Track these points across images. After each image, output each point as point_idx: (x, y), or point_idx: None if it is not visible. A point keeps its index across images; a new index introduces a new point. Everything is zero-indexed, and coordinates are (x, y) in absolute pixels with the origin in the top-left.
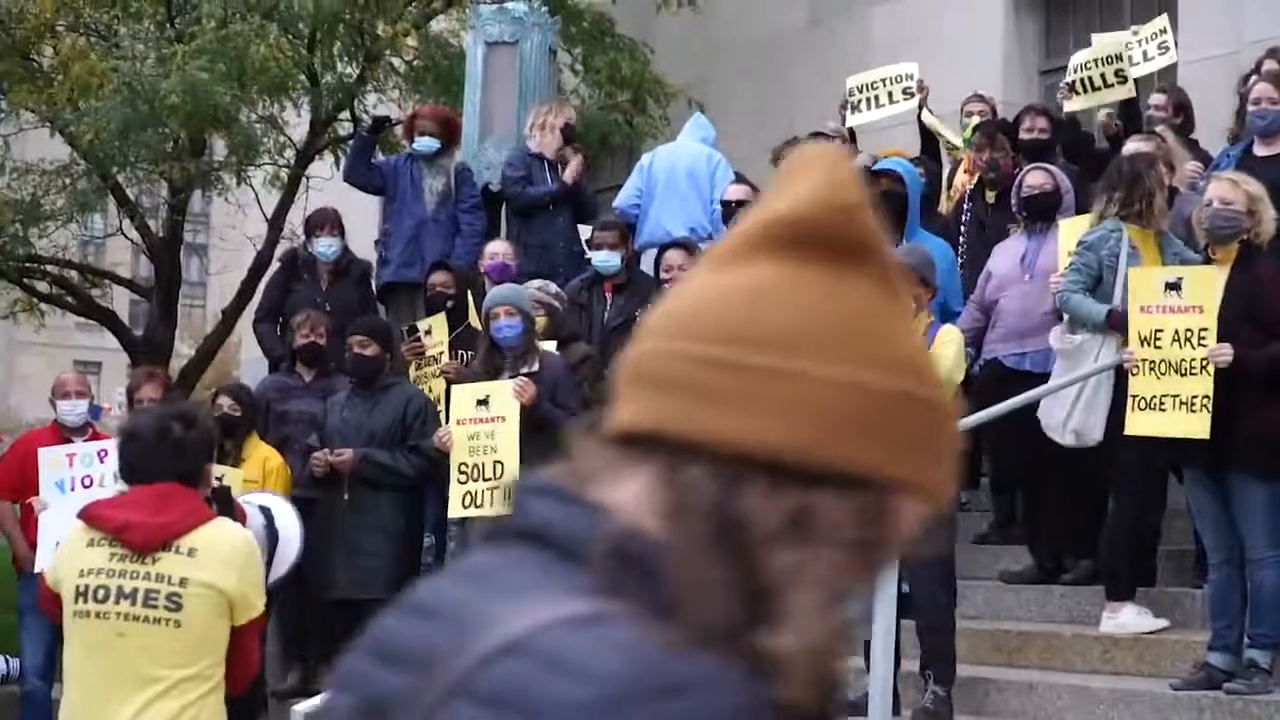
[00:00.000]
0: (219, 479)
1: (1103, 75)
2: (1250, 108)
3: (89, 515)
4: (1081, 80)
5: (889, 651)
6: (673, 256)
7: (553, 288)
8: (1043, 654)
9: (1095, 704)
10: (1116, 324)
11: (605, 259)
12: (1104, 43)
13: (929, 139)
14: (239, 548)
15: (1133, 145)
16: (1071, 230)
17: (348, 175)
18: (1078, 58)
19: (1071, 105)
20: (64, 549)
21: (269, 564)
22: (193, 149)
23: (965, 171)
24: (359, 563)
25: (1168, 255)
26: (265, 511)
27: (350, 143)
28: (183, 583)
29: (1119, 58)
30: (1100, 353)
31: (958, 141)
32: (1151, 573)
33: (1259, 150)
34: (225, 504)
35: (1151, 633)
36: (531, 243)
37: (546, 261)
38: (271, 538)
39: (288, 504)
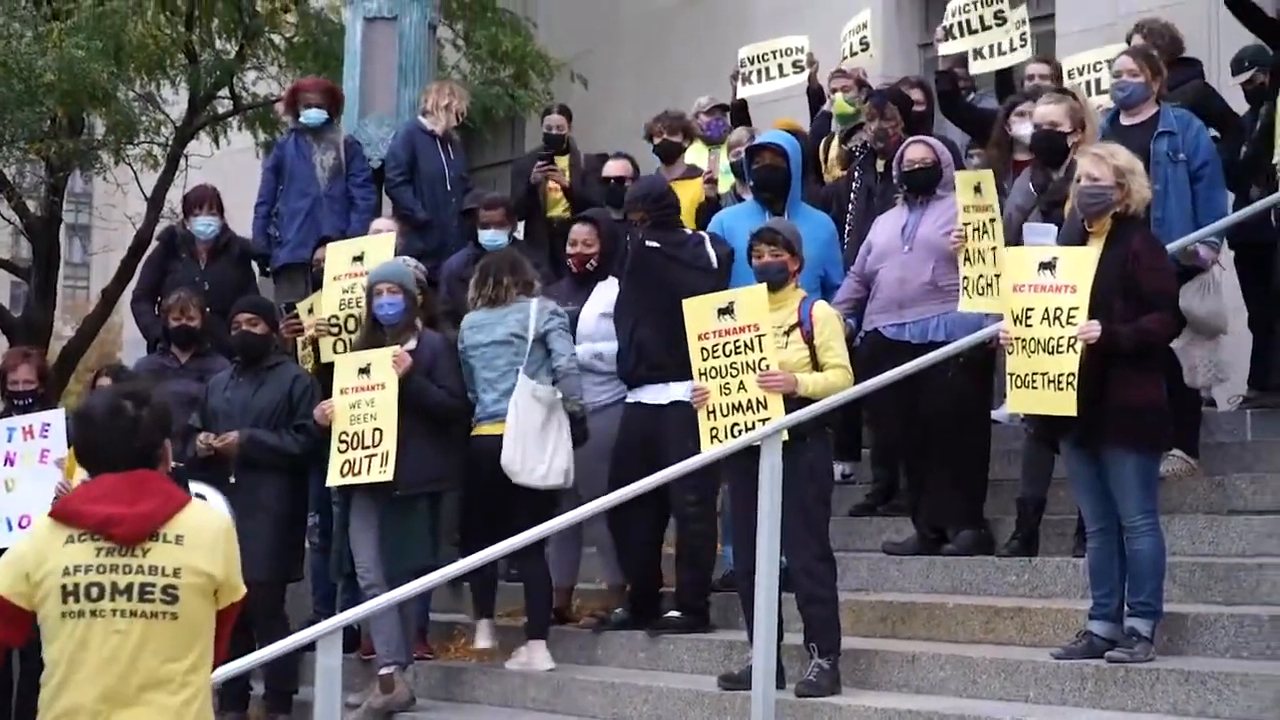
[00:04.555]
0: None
1: (981, 18)
2: (1111, 79)
3: (63, 513)
4: (960, 23)
5: (772, 625)
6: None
7: (413, 263)
8: (926, 625)
9: (978, 674)
10: None
11: (493, 237)
12: None
13: (817, 111)
14: (220, 531)
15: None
16: (966, 183)
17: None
18: (955, 1)
19: (947, 49)
20: (34, 549)
21: None
22: (70, 127)
23: (840, 144)
24: (240, 545)
25: None
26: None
27: (230, 120)
28: (176, 572)
29: None
30: None
31: None
32: (1034, 541)
33: (1124, 120)
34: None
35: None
36: (425, 221)
37: (439, 238)
38: None
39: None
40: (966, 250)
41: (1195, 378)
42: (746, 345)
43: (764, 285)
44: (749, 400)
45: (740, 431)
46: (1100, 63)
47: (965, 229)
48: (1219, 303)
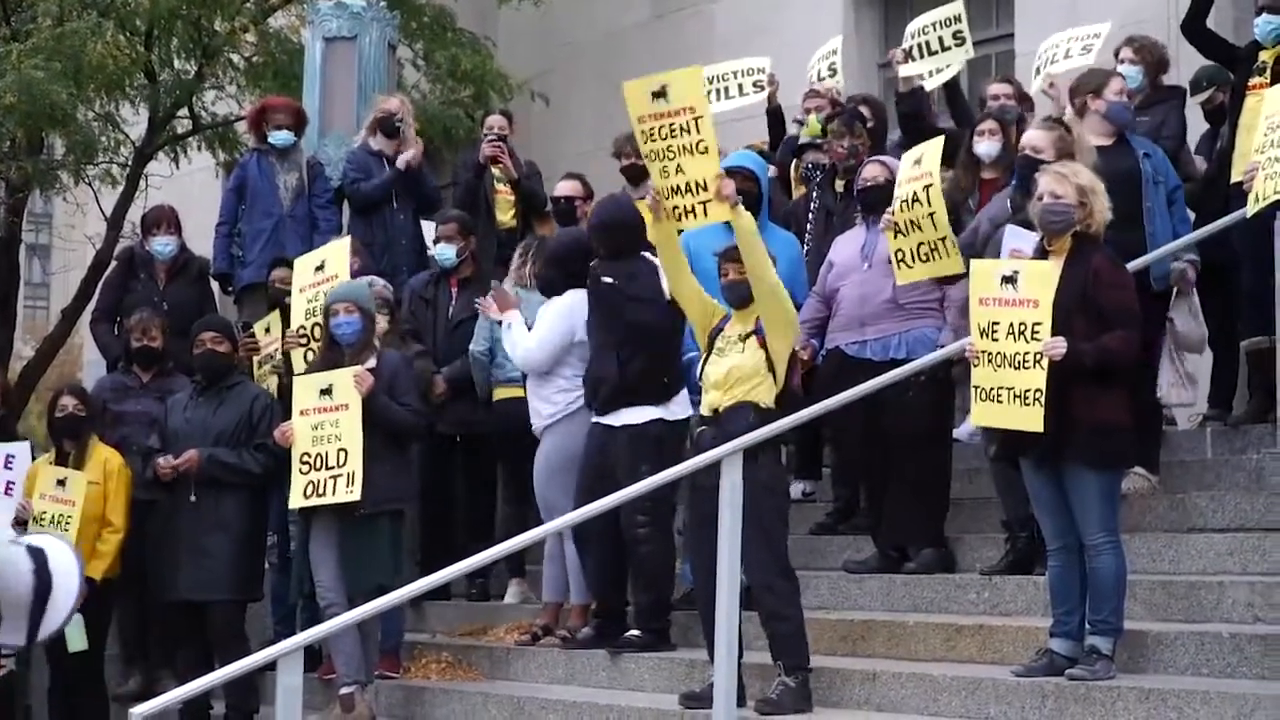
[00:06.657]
0: (60, 481)
1: (940, 39)
2: (1113, 98)
3: None
4: (919, 45)
5: (733, 643)
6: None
7: (380, 282)
8: (887, 643)
9: (938, 692)
10: None
11: (442, 251)
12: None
13: (777, 132)
14: None
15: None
16: (908, 158)
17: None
18: (914, 24)
19: (907, 70)
20: None
21: (37, 614)
22: (30, 148)
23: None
24: (201, 564)
25: None
26: (37, 554)
27: (190, 139)
28: None
29: (957, 19)
30: None
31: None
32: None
33: (1095, 142)
34: None
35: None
36: (374, 241)
37: (389, 259)
38: (41, 587)
39: (67, 546)
40: (896, 224)
41: (1171, 395)
42: (683, 129)
43: (698, 68)
44: (688, 183)
45: (681, 214)
46: (1062, 41)
47: (896, 203)
48: (1201, 325)
